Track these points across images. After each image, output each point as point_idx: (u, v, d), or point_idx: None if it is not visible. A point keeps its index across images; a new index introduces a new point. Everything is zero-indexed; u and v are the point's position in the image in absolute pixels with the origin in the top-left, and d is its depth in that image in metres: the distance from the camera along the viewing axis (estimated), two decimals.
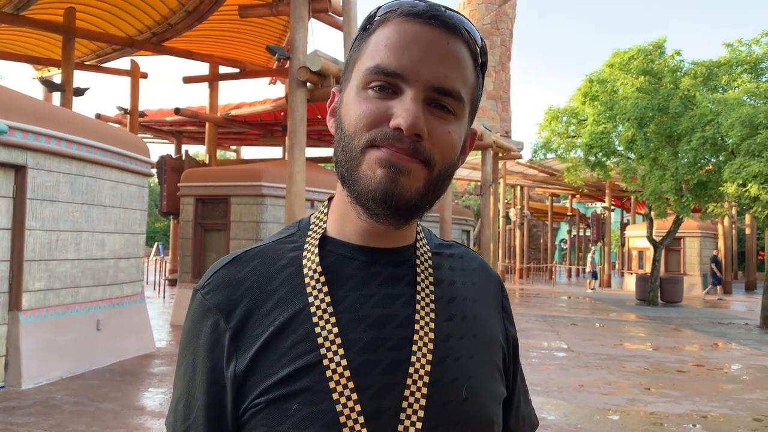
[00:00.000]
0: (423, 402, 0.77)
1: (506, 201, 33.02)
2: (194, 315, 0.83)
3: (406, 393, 0.77)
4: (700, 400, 7.08)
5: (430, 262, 0.88)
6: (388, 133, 0.75)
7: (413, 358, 0.78)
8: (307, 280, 0.81)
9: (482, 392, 0.83)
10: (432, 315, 0.82)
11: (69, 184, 7.32)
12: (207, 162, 17.54)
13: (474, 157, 27.52)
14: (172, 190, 14.73)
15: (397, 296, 0.82)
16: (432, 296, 0.84)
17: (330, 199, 0.91)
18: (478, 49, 0.81)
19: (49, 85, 12.94)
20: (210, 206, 11.96)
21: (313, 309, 0.79)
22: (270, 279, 0.82)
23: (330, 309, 0.79)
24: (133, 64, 15.69)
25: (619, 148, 17.67)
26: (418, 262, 0.87)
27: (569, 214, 39.94)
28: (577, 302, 20.64)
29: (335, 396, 0.74)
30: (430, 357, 0.79)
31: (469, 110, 0.82)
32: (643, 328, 14.10)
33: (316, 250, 0.83)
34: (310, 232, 0.87)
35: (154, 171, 12.68)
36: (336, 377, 0.75)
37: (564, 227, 49.98)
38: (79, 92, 12.78)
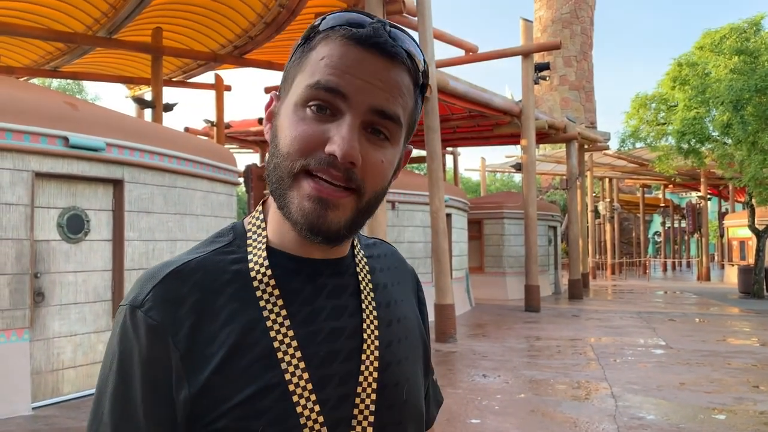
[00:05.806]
0: (373, 408, 0.81)
1: (594, 194, 32.04)
2: (132, 335, 0.76)
3: (357, 401, 0.80)
4: None
5: (367, 268, 0.91)
6: (322, 158, 0.75)
7: (362, 367, 0.82)
8: (259, 294, 0.79)
9: (417, 390, 0.90)
10: (376, 323, 0.86)
11: (163, 195, 7.65)
12: None
13: (558, 149, 26.91)
14: (259, 197, 15.18)
15: (344, 307, 0.84)
16: (374, 303, 0.88)
17: (264, 202, 0.89)
18: (420, 73, 0.81)
19: (140, 103, 13.60)
20: None
21: (269, 324, 0.78)
22: (216, 295, 0.78)
23: (287, 323, 0.78)
24: (217, 77, 16.28)
25: (713, 134, 16.84)
26: (358, 269, 0.89)
27: (662, 205, 38.31)
28: (674, 297, 19.73)
29: (299, 410, 0.75)
30: (376, 364, 0.83)
31: (405, 133, 0.83)
32: (749, 322, 13.30)
33: (266, 263, 0.81)
34: (250, 242, 0.84)
35: (241, 180, 13.08)
36: (299, 392, 0.76)
37: (657, 219, 47.99)
38: (168, 108, 13.36)
